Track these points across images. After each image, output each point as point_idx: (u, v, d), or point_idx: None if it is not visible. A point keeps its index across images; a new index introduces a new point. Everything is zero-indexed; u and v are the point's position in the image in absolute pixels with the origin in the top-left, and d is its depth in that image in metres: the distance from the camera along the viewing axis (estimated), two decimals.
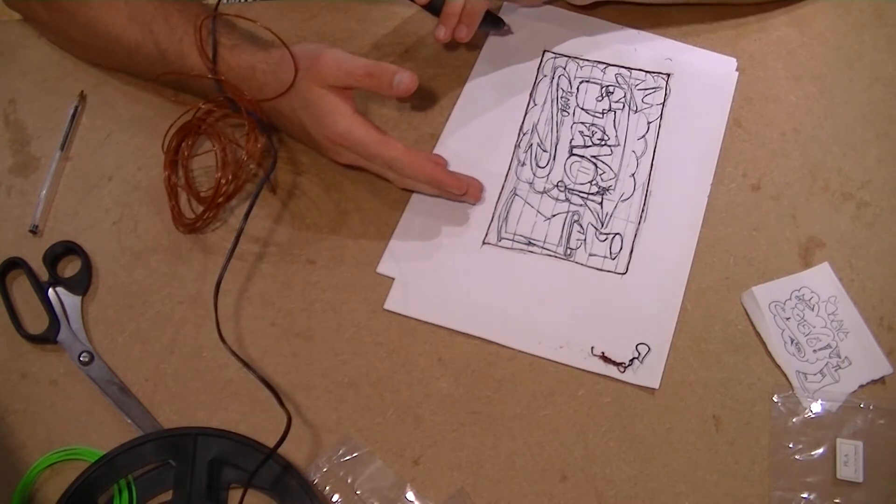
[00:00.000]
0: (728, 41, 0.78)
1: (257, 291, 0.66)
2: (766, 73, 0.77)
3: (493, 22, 0.75)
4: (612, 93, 0.75)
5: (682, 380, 0.63)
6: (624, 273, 0.67)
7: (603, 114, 0.74)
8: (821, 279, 0.66)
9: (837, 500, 0.59)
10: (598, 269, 0.67)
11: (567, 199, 0.70)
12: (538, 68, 0.76)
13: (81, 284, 0.65)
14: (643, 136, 0.73)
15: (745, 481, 0.60)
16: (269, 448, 0.58)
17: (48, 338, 0.63)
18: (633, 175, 0.71)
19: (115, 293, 0.66)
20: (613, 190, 0.70)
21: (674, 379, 0.63)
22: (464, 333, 0.64)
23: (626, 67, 0.76)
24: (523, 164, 0.71)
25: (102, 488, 0.57)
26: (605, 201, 0.70)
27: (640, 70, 0.76)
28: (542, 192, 0.70)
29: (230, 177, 0.66)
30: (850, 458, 0.59)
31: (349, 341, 0.64)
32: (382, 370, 0.63)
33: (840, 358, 0.63)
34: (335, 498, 0.58)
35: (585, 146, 0.72)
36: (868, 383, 0.63)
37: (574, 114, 0.74)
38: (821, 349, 0.63)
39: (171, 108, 0.73)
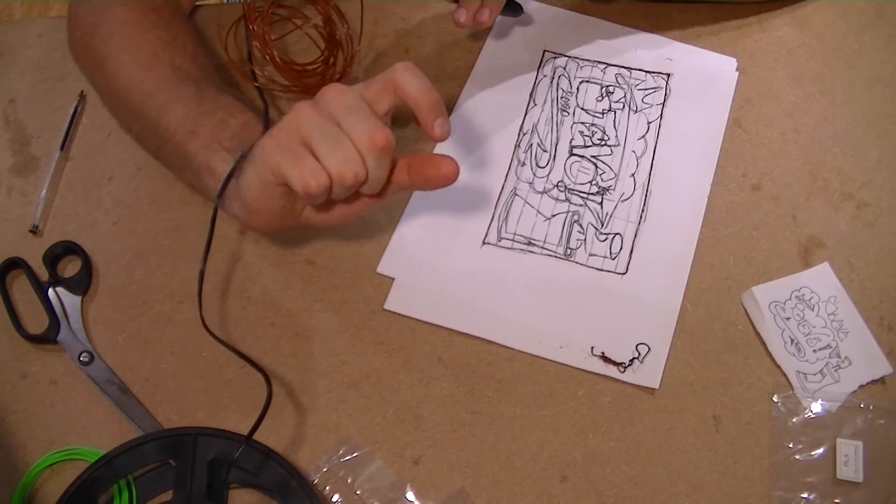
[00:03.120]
0: (728, 41, 0.78)
1: (257, 291, 0.66)
2: (766, 73, 0.77)
3: (512, 7, 0.74)
4: (612, 93, 0.75)
5: (682, 380, 0.63)
6: (624, 273, 0.67)
7: (603, 114, 0.74)
8: (821, 279, 0.66)
9: (837, 500, 0.59)
10: (598, 269, 0.67)
11: (567, 199, 0.70)
12: (538, 68, 0.76)
13: (81, 284, 0.65)
14: (643, 136, 0.73)
15: (745, 481, 0.60)
16: (267, 447, 0.58)
17: (48, 338, 0.63)
18: (633, 175, 0.71)
19: (115, 293, 0.66)
20: (613, 190, 0.70)
21: (674, 379, 0.63)
22: (464, 333, 0.64)
23: (626, 67, 0.76)
24: (523, 164, 0.71)
25: (102, 488, 0.57)
26: (605, 201, 0.70)
27: (640, 70, 0.76)
28: (542, 192, 0.70)
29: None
30: (850, 458, 0.59)
31: (349, 341, 0.64)
32: (382, 370, 0.63)
33: (840, 358, 0.63)
34: (335, 498, 0.58)
35: (585, 146, 0.72)
36: (868, 383, 0.63)
37: (574, 114, 0.74)
38: (821, 349, 0.63)
39: None
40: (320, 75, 0.72)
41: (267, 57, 0.69)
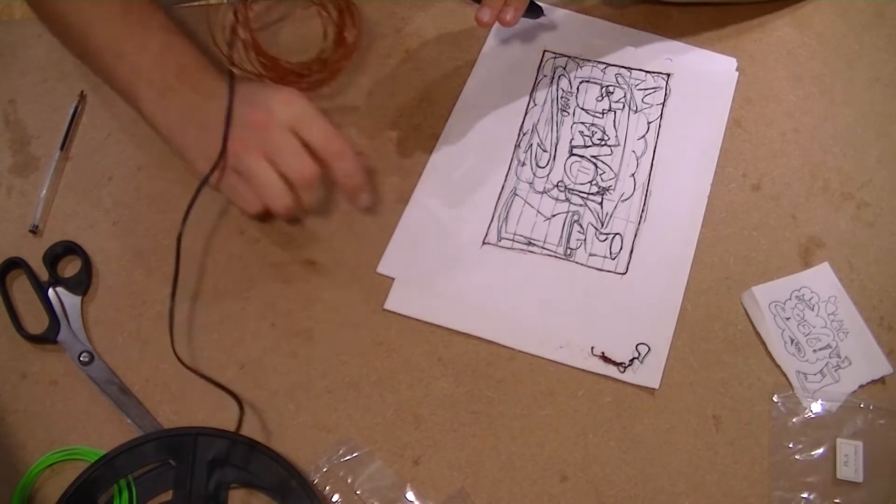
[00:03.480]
0: (728, 41, 0.78)
1: (257, 291, 0.66)
2: (766, 73, 0.77)
3: (533, 9, 0.73)
4: (612, 93, 0.75)
5: (682, 380, 0.63)
6: (624, 273, 0.67)
7: (603, 114, 0.74)
8: (821, 279, 0.66)
9: (837, 500, 0.59)
10: (598, 269, 0.67)
11: (567, 199, 0.70)
12: (538, 68, 0.76)
13: (81, 284, 0.65)
14: (643, 136, 0.73)
15: (745, 481, 0.60)
16: (267, 448, 0.58)
17: (48, 338, 0.63)
18: (633, 175, 0.71)
19: (115, 293, 0.66)
20: (613, 190, 0.70)
21: (674, 379, 0.63)
22: (464, 333, 0.64)
23: (626, 67, 0.76)
24: (523, 164, 0.71)
25: (102, 488, 0.57)
26: (605, 201, 0.70)
27: (640, 70, 0.76)
28: (542, 192, 0.70)
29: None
30: (850, 458, 0.59)
31: (349, 341, 0.64)
32: (382, 370, 0.63)
33: (840, 358, 0.63)
34: (335, 498, 0.58)
35: (585, 146, 0.72)
36: (868, 383, 0.63)
37: (574, 114, 0.74)
38: (821, 349, 0.63)
39: None
40: (312, 74, 0.73)
41: (244, 46, 0.70)
